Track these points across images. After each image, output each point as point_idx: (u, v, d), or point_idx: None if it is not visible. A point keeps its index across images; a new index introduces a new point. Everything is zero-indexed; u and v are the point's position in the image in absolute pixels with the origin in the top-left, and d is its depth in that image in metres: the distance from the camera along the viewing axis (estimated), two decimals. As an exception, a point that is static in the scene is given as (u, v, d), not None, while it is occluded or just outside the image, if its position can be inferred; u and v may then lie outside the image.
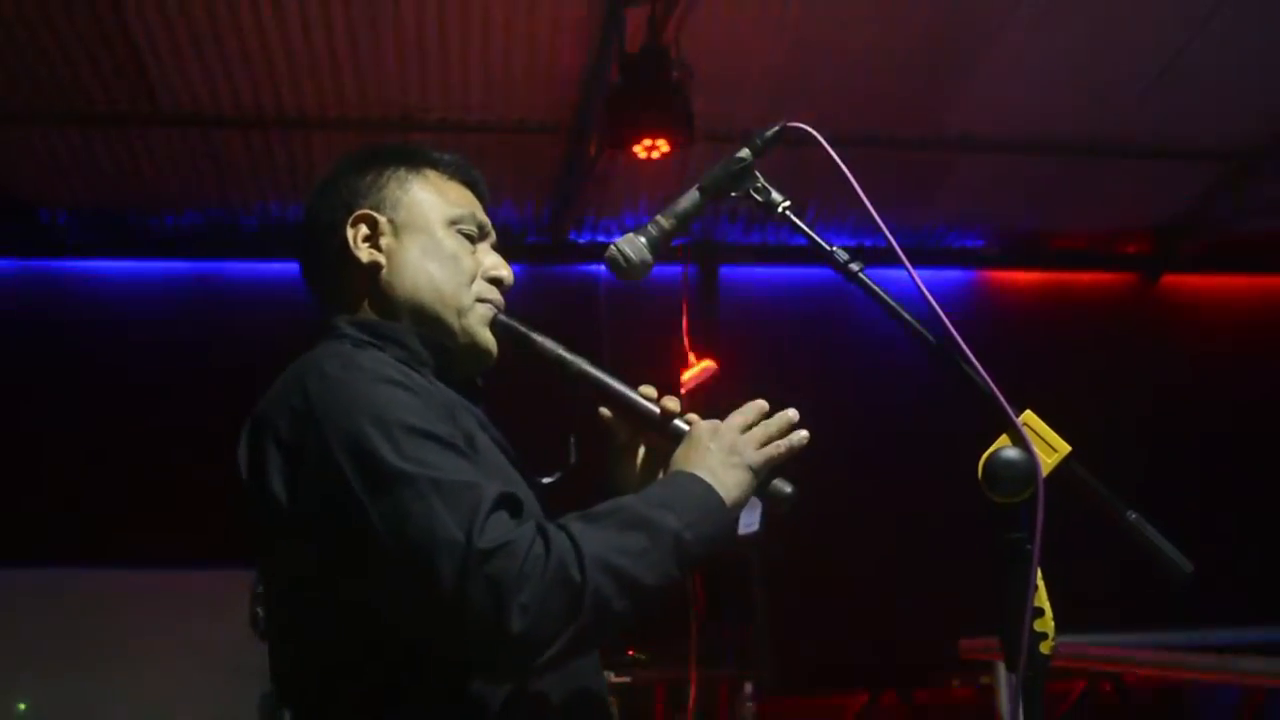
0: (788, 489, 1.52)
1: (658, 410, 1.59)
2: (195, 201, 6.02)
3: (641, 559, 1.33)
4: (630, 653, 4.84)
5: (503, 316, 1.64)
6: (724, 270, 6.61)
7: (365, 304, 1.60)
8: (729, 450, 1.49)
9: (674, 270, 6.16)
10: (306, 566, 1.41)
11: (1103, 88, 5.60)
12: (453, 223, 1.65)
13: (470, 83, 5.28)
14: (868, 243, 6.05)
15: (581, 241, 6.33)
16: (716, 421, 1.53)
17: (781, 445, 1.51)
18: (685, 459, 1.50)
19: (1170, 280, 7.18)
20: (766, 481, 1.51)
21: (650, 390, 1.62)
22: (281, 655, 1.51)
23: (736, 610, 5.82)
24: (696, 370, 5.25)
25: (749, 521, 4.93)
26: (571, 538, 1.32)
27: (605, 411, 1.65)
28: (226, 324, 5.89)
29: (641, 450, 1.68)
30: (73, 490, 5.56)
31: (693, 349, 5.79)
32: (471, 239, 1.66)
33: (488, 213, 1.71)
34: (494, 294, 1.65)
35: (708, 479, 1.45)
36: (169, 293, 6.19)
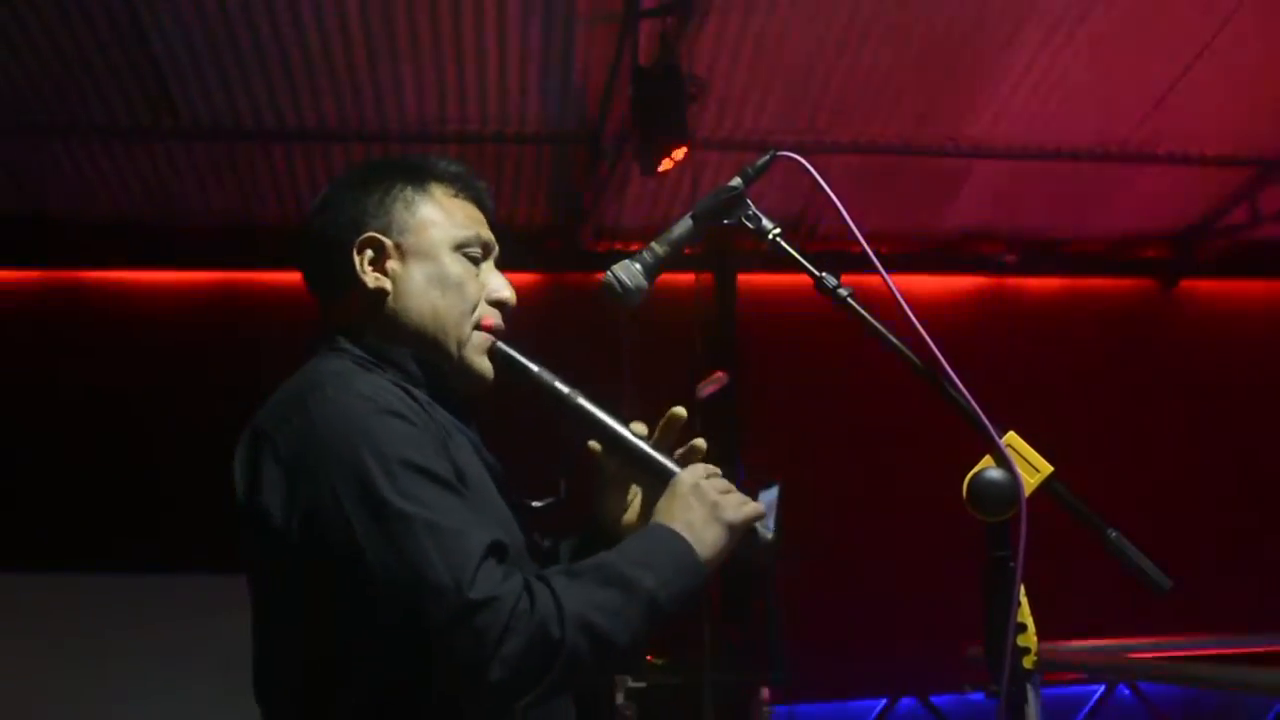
0: (769, 535, 1.58)
1: (647, 448, 1.63)
2: (216, 213, 6.07)
3: (617, 618, 1.39)
4: (648, 658, 4.84)
5: (501, 345, 1.66)
6: (741, 277, 6.61)
7: (368, 326, 1.62)
8: (711, 507, 1.53)
9: (690, 278, 6.17)
10: (296, 586, 1.45)
11: (1120, 94, 5.60)
12: (458, 246, 1.65)
13: (487, 94, 5.32)
14: (883, 250, 6.03)
15: (598, 250, 6.35)
16: (699, 473, 1.57)
17: (759, 505, 1.57)
18: (668, 511, 1.54)
19: (1188, 285, 7.16)
20: (744, 534, 1.55)
21: (641, 428, 1.66)
22: (266, 670, 1.54)
23: (753, 614, 5.81)
24: (710, 380, 5.26)
25: (765, 527, 4.94)
26: (554, 594, 1.37)
27: (595, 445, 1.68)
28: (247, 334, 5.92)
29: (636, 493, 1.71)
30: (88, 497, 5.59)
31: (709, 357, 5.80)
32: (476, 261, 1.67)
33: (492, 225, 1.71)
34: (496, 318, 1.66)
35: (687, 536, 1.50)
36: (190, 304, 6.24)
